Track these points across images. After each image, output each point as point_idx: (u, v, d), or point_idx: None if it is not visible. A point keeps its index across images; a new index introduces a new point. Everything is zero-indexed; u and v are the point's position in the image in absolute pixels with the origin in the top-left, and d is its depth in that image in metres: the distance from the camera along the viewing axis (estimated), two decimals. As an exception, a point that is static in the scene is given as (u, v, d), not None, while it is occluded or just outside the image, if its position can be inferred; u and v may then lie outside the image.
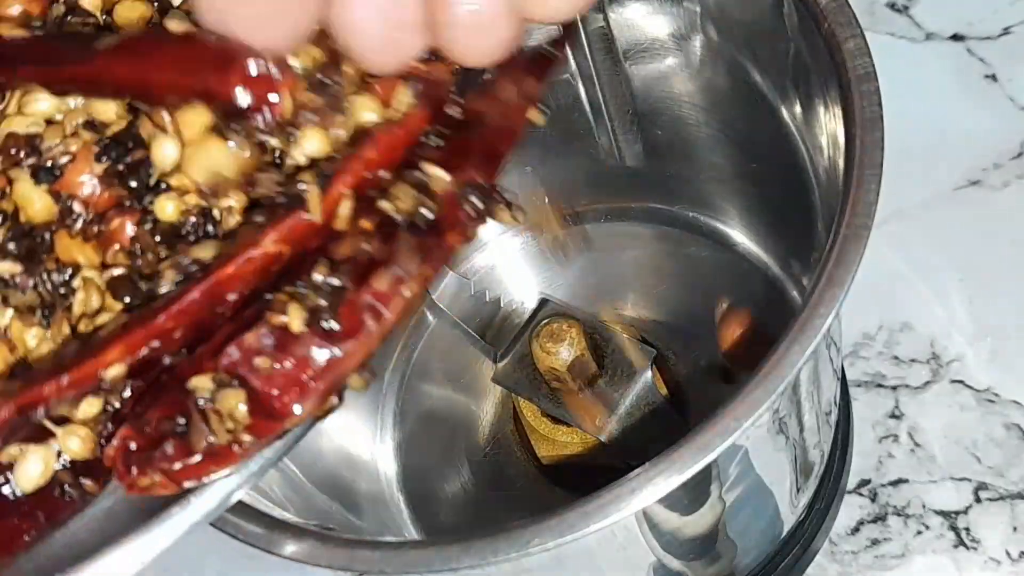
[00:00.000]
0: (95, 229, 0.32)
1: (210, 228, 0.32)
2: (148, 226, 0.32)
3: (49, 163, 0.32)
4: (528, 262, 0.59)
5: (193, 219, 0.32)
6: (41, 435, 0.30)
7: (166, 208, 0.32)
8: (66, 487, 0.30)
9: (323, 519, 0.46)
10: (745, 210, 0.55)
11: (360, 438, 0.55)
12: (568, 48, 0.52)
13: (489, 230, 0.59)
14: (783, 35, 0.43)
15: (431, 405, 0.57)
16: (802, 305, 0.35)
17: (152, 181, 0.32)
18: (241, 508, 0.38)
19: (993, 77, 0.64)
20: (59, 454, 0.30)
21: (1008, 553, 0.52)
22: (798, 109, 0.45)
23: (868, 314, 0.58)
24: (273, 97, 0.30)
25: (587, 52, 0.51)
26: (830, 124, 0.41)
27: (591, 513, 0.33)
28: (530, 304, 0.57)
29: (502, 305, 0.58)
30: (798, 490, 0.47)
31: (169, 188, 0.32)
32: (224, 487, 0.30)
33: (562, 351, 0.52)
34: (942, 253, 0.59)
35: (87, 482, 0.30)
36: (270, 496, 0.43)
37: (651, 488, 0.33)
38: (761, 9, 0.44)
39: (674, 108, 0.53)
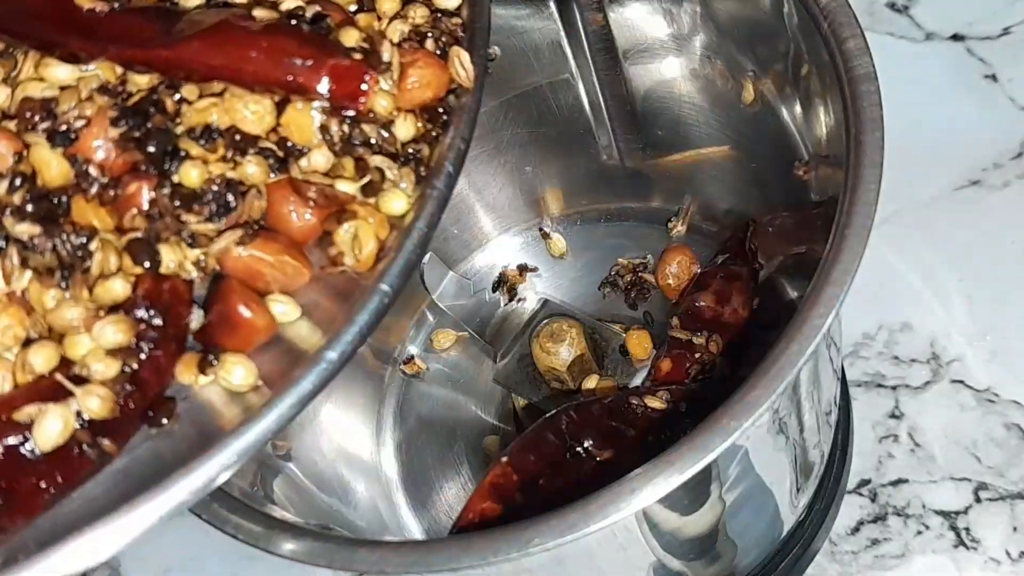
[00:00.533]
0: (111, 193, 0.32)
1: (230, 198, 0.32)
2: (166, 190, 0.32)
3: (64, 127, 0.32)
4: (528, 262, 0.59)
5: (215, 188, 0.32)
6: (60, 394, 0.30)
7: (191, 174, 0.32)
8: (85, 447, 0.30)
9: (323, 519, 0.46)
10: (745, 210, 0.55)
11: (360, 438, 0.55)
12: (568, 48, 0.52)
13: (489, 231, 0.60)
14: (783, 35, 0.43)
15: (431, 405, 0.57)
16: (802, 305, 0.35)
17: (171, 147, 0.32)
18: (241, 508, 0.38)
19: (993, 77, 0.64)
20: (78, 414, 0.30)
21: (1008, 553, 0.52)
22: (798, 109, 0.45)
23: (868, 314, 0.58)
24: (363, 88, 0.32)
25: (587, 52, 0.51)
26: (830, 124, 0.41)
27: (591, 513, 0.33)
28: (530, 304, 0.57)
29: (502, 305, 0.58)
30: (798, 490, 0.47)
31: (189, 156, 0.32)
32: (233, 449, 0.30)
33: (562, 351, 0.53)
34: (942, 253, 0.59)
35: (106, 442, 0.31)
36: (270, 496, 0.43)
37: (651, 488, 0.33)
38: (761, 9, 0.44)
39: (674, 108, 0.53)
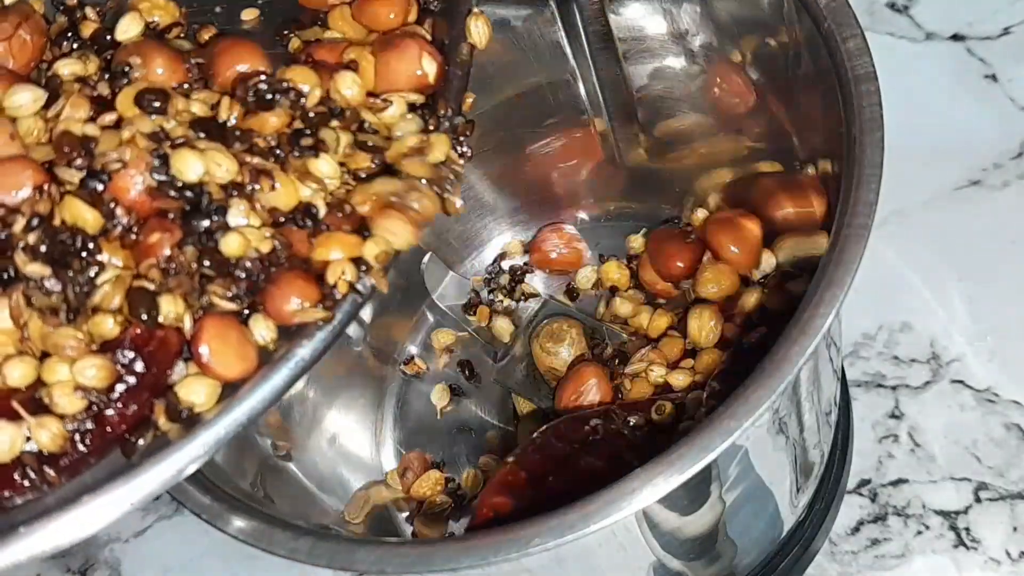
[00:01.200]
0: (132, 237, 0.32)
1: (260, 279, 0.32)
2: (189, 248, 0.31)
3: (100, 167, 0.32)
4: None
5: (249, 265, 0.31)
6: (18, 415, 0.30)
7: (231, 243, 0.31)
8: (28, 470, 0.30)
9: (323, 519, 0.46)
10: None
11: (360, 438, 0.55)
12: (568, 48, 0.52)
13: (489, 231, 0.60)
14: (783, 35, 0.43)
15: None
16: (802, 305, 0.35)
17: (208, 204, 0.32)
18: (241, 508, 0.38)
19: (993, 77, 0.64)
20: (28, 438, 0.30)
21: (1008, 553, 0.52)
22: (798, 109, 0.45)
23: (868, 314, 0.58)
24: None
25: (587, 52, 0.51)
26: (830, 124, 0.41)
27: (591, 513, 0.33)
28: (530, 304, 0.57)
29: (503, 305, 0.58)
30: (798, 490, 0.47)
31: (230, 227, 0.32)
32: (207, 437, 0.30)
33: (562, 351, 0.53)
34: (942, 253, 0.59)
35: (50, 472, 0.30)
36: (270, 496, 0.43)
37: (651, 488, 0.33)
38: (761, 9, 0.44)
39: (674, 108, 0.53)
